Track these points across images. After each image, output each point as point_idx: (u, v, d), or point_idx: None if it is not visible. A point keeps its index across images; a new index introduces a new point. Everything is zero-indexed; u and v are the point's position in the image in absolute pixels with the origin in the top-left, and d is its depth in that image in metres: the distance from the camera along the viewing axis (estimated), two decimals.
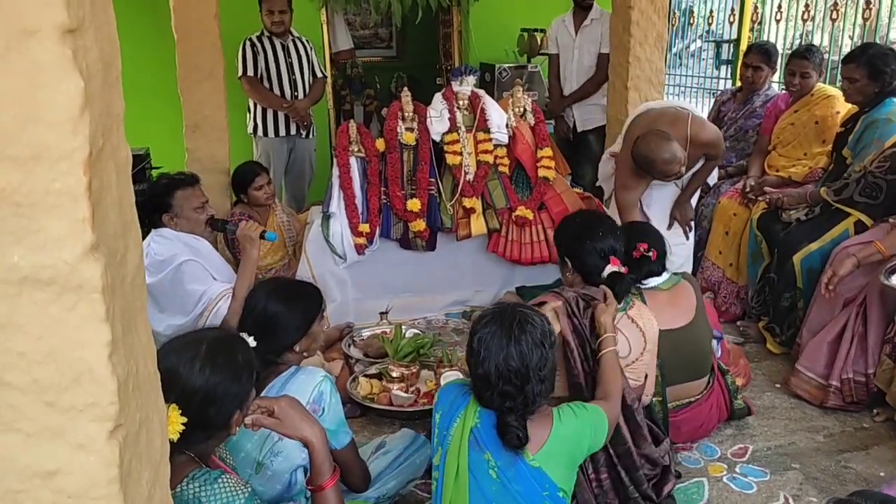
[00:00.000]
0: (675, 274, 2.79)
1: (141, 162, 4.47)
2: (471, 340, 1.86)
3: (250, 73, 4.67)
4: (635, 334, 2.35)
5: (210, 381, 1.52)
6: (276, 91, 4.76)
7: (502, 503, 1.80)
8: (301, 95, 4.84)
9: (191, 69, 3.93)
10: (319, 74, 5.00)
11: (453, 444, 1.82)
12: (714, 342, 2.94)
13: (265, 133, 4.81)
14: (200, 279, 2.98)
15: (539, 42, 5.88)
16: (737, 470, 2.67)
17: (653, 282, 2.66)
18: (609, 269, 2.37)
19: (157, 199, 3.08)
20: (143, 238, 3.11)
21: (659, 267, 2.68)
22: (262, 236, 3.10)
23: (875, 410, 2.99)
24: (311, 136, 5.02)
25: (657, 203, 3.70)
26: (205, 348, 1.56)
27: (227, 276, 3.13)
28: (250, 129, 4.88)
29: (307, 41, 4.92)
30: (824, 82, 4.08)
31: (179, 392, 1.44)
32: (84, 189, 0.79)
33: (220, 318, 2.89)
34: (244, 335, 1.80)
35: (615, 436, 2.16)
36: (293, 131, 4.86)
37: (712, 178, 3.97)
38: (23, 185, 0.77)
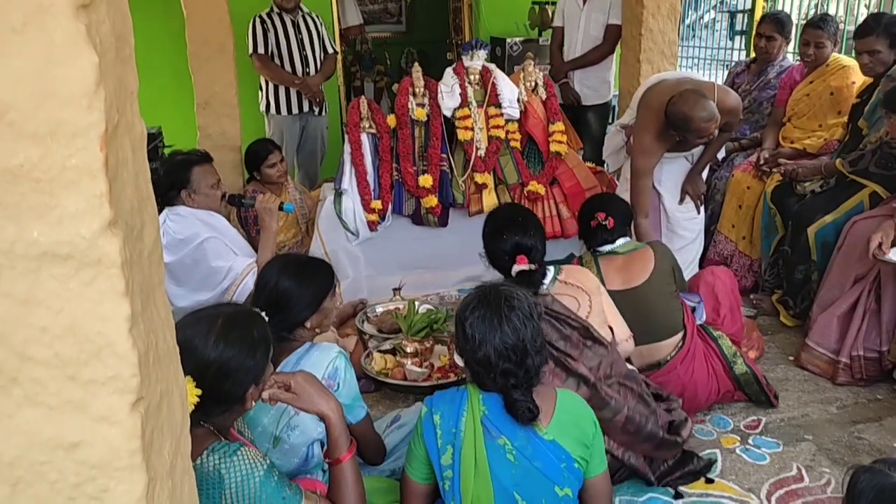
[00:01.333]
0: (648, 243, 2.91)
1: (153, 140, 4.48)
2: (462, 328, 1.85)
3: (261, 50, 4.64)
4: (576, 292, 2.46)
5: (224, 355, 1.54)
6: (288, 68, 4.74)
7: (522, 487, 1.80)
8: (312, 72, 4.82)
9: (200, 45, 3.93)
10: (330, 50, 4.97)
11: (467, 438, 1.81)
12: (698, 306, 2.94)
13: (277, 111, 4.80)
14: (224, 255, 3.02)
15: (550, 15, 5.81)
16: (750, 441, 2.68)
17: (608, 247, 2.83)
18: (516, 268, 2.42)
19: (174, 176, 3.11)
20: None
21: (615, 235, 2.82)
22: (280, 208, 3.14)
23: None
24: (323, 113, 5.01)
25: (668, 178, 3.67)
26: (220, 323, 1.57)
27: (245, 250, 3.17)
28: (262, 107, 4.87)
29: (317, 16, 4.89)
30: (839, 52, 4.02)
31: (194, 365, 1.46)
32: (101, 165, 0.79)
33: (247, 292, 2.92)
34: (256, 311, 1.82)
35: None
36: (305, 108, 4.85)
37: (721, 153, 3.94)
38: (41, 161, 0.78)
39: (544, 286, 2.46)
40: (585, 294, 2.48)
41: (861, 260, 3.03)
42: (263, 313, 1.84)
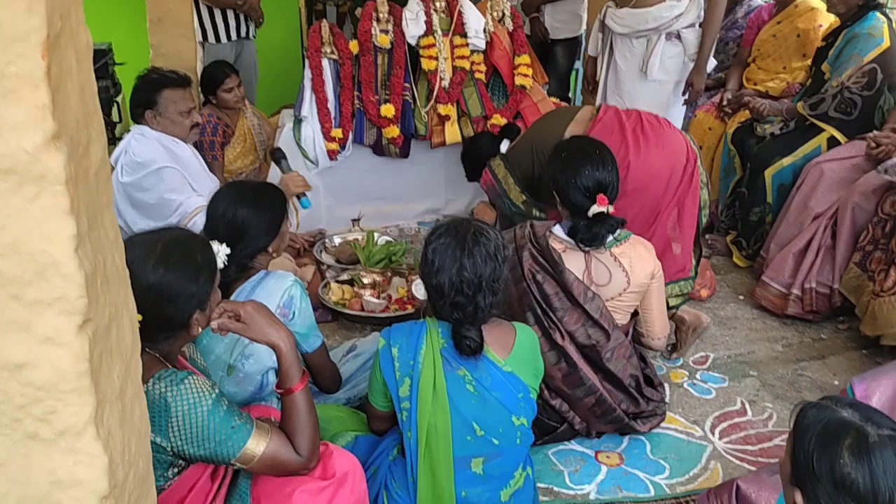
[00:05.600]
0: None
1: (102, 57, 4.30)
2: (425, 251, 1.86)
3: None
4: (617, 272, 2.29)
5: (164, 279, 1.50)
6: None
7: (480, 416, 1.84)
8: None
9: None
10: None
11: (426, 369, 1.83)
12: None
13: (217, 39, 4.38)
14: (178, 189, 2.89)
15: None
16: (697, 377, 2.77)
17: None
18: (595, 208, 2.20)
19: (142, 94, 2.95)
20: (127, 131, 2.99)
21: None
22: (298, 197, 3.00)
23: (840, 318, 3.09)
24: (253, 35, 4.65)
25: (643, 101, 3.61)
26: (161, 247, 1.53)
27: (205, 184, 3.02)
28: (198, 37, 4.33)
29: None
30: None
31: (134, 289, 1.42)
32: (43, 74, 0.74)
33: (196, 231, 2.84)
34: (215, 243, 1.78)
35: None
36: (243, 33, 4.48)
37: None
38: None
39: (605, 244, 2.28)
40: (626, 282, 2.29)
41: (819, 198, 3.10)
42: (224, 244, 1.80)
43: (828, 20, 3.65)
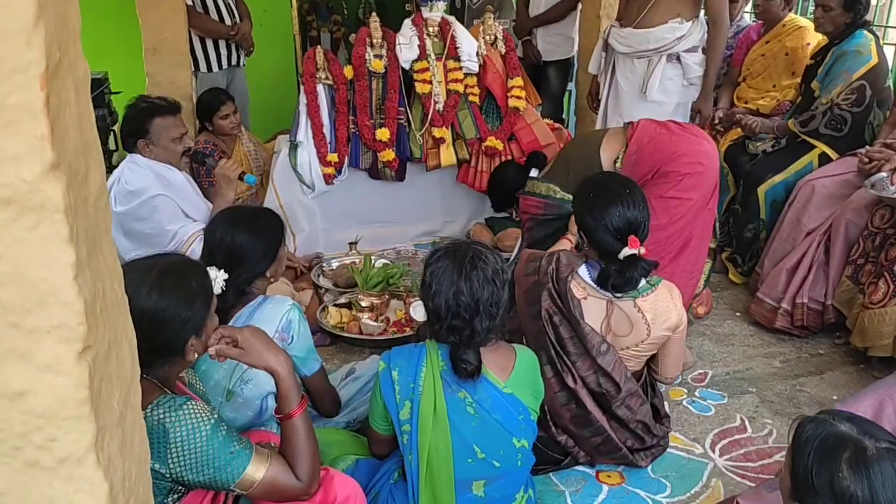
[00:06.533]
0: None
1: (99, 86, 4.33)
2: (424, 274, 1.87)
3: (188, 2, 4.15)
4: (639, 323, 2.18)
5: (158, 305, 1.50)
6: (215, 18, 4.32)
7: (481, 438, 1.83)
8: (237, 19, 4.44)
9: None
10: None
11: (426, 392, 1.82)
12: None
13: (209, 68, 4.39)
14: (172, 218, 2.89)
15: None
16: (696, 394, 2.76)
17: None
18: (625, 252, 2.10)
19: (133, 124, 2.94)
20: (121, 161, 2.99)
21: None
22: (240, 178, 3.04)
23: (837, 334, 3.09)
24: (243, 63, 4.69)
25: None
26: (156, 272, 1.53)
27: (199, 208, 3.04)
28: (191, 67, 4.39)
29: None
30: (795, 13, 4.07)
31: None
32: (42, 105, 0.76)
33: (194, 258, 2.84)
34: (213, 269, 1.78)
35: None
36: (233, 62, 4.52)
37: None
38: None
39: (636, 290, 2.18)
40: (647, 334, 2.18)
41: (813, 214, 3.12)
42: (222, 270, 1.81)
43: (815, 38, 3.69)
